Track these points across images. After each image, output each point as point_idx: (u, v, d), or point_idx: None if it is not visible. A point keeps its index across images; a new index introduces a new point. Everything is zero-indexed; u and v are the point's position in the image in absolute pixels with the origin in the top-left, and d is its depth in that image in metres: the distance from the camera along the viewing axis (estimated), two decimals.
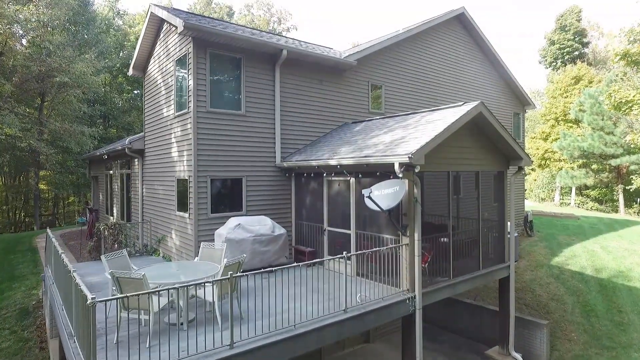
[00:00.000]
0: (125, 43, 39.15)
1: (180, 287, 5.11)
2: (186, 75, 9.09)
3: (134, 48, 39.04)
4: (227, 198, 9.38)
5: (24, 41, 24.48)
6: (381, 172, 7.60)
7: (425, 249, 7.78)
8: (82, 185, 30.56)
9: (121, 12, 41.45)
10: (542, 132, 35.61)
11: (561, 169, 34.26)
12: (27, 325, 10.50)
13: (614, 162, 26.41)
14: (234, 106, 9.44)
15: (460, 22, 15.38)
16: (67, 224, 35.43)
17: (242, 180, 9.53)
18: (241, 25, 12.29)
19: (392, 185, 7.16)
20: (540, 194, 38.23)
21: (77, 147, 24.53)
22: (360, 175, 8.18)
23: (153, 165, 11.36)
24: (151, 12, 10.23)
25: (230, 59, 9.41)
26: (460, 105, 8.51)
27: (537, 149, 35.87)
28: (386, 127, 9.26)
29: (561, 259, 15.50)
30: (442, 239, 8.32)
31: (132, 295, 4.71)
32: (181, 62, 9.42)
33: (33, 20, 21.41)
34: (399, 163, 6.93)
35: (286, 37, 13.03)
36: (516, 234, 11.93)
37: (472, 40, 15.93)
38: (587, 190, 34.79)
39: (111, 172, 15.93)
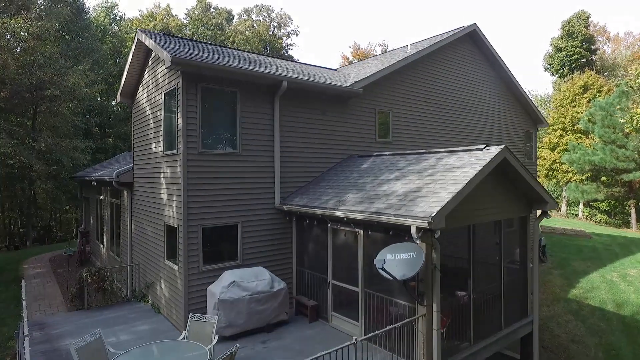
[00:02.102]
0: (122, 50, 38.28)
1: None
2: (175, 111, 8.17)
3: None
4: (221, 247, 8.47)
5: (14, 53, 23.56)
6: (394, 232, 6.69)
7: (443, 312, 6.86)
8: (79, 200, 29.67)
9: (117, 17, 40.54)
10: (550, 142, 34.66)
11: (569, 180, 33.33)
12: None
13: (626, 177, 25.47)
14: (228, 145, 8.53)
15: (471, 38, 14.46)
16: (64, 233, 34.51)
17: (237, 227, 8.61)
18: (238, 50, 11.35)
19: (408, 250, 6.25)
20: None
21: (69, 162, 23.63)
22: (369, 231, 7.26)
23: (142, 202, 10.45)
24: (138, 39, 9.31)
25: (225, 93, 8.49)
26: (481, 149, 7.59)
27: (544, 159, 34.92)
28: (397, 169, 8.34)
29: (579, 291, 14.58)
30: (460, 298, 7.40)
31: None
32: (170, 96, 8.51)
33: (22, 33, 20.51)
34: (417, 227, 6.02)
35: (287, 62, 12.08)
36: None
37: (482, 57, 15.00)
38: (596, 202, 33.83)
39: (101, 197, 15.02)
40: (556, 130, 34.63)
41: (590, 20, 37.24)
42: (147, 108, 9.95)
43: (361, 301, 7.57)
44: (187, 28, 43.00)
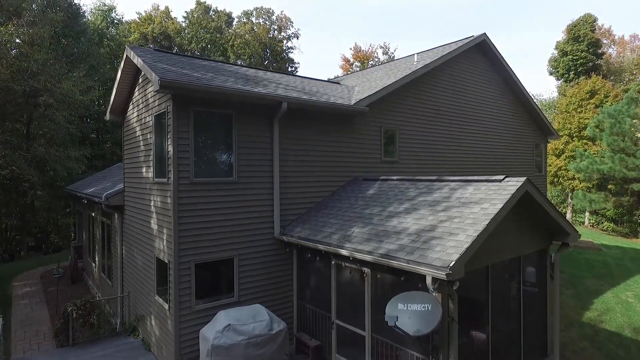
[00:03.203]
0: (120, 54, 37.65)
1: None
2: (165, 137, 7.50)
3: None
4: (215, 283, 7.80)
5: (5, 60, 22.90)
6: (407, 277, 6.02)
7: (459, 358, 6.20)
8: (73, 212, 29.04)
9: (115, 21, 39.89)
10: (555, 149, 33.95)
11: (575, 188, 32.65)
12: None
13: (636, 187, 24.77)
14: (223, 173, 7.86)
15: (480, 49, 13.80)
16: (61, 238, 33.70)
17: (233, 260, 7.95)
18: (234, 65, 10.67)
19: (423, 301, 5.58)
20: None
21: (63, 171, 22.98)
22: (378, 274, 6.59)
23: (132, 228, 9.79)
24: (126, 56, 8.65)
25: (220, 116, 7.83)
26: (500, 181, 6.92)
27: (549, 165, 34.21)
28: (407, 199, 7.67)
29: (593, 313, 13.90)
30: (477, 340, 6.74)
31: None
32: (160, 118, 7.85)
33: (15, 40, 19.86)
34: (433, 278, 5.35)
35: (287, 76, 11.39)
36: None
37: (491, 68, 14.34)
38: (604, 210, 33.13)
39: (93, 214, 14.37)
40: (562, 136, 33.91)
41: (596, 23, 36.51)
42: (138, 129, 9.30)
43: (368, 347, 6.90)
44: (186, 31, 42.35)
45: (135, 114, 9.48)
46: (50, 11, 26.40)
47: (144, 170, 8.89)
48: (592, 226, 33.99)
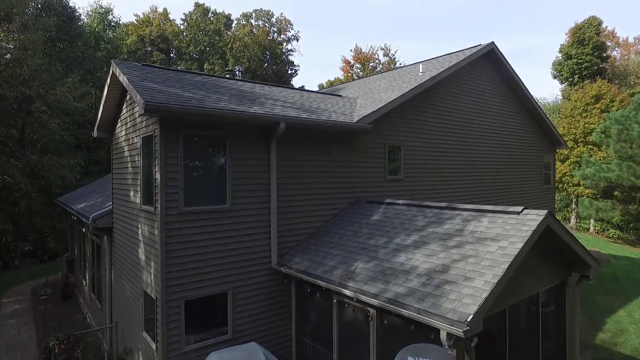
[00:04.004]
0: (117, 57, 37.08)
1: None
2: (153, 162, 6.90)
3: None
4: (207, 320, 7.20)
5: None
6: (417, 326, 5.42)
7: None
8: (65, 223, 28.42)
9: (112, 23, 39.28)
10: (560, 154, 33.33)
11: (580, 194, 32.04)
12: None
13: None
14: (216, 200, 7.26)
15: (488, 58, 13.19)
16: (58, 244, 32.95)
17: (227, 295, 7.35)
18: (230, 79, 10.04)
19: (437, 357, 4.97)
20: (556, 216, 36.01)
21: (57, 179, 22.37)
22: (384, 319, 5.98)
23: (121, 253, 9.19)
24: (112, 72, 8.05)
25: (212, 139, 7.23)
26: (517, 213, 6.31)
27: None
28: (415, 230, 7.06)
29: (607, 335, 13.28)
30: None
31: None
32: (148, 141, 7.25)
33: (6, 45, 19.28)
34: (448, 333, 4.75)
35: (285, 90, 10.75)
36: None
37: (499, 78, 13.73)
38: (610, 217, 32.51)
39: (83, 230, 13.76)
40: (566, 141, 33.29)
41: (601, 26, 35.89)
42: (126, 148, 8.69)
43: None
44: (185, 34, 41.74)
45: (124, 133, 8.88)
46: (44, 15, 25.81)
47: (131, 194, 8.29)
48: (598, 233, 33.38)
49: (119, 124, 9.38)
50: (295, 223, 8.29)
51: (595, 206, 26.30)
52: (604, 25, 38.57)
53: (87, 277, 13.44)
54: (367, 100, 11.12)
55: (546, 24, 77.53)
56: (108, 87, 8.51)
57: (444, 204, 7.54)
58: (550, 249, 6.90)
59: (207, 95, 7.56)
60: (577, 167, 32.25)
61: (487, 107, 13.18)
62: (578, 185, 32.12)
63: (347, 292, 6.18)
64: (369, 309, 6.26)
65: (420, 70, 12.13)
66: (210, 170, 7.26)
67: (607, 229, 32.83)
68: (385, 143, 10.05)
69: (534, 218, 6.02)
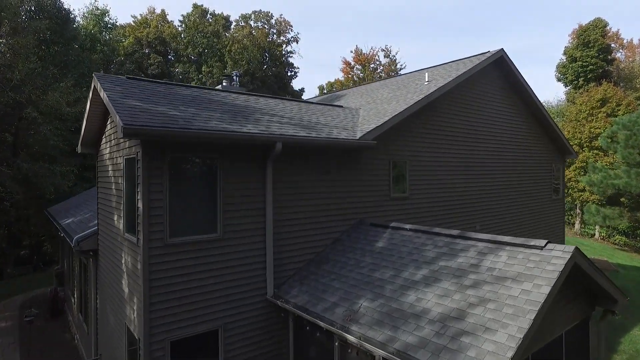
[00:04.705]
0: (114, 59, 36.45)
1: None
2: (136, 187, 6.25)
3: (122, 65, 36.37)
4: None
5: None
6: None
7: None
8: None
9: (109, 25, 38.60)
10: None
11: (585, 200, 31.41)
12: None
13: None
14: (206, 228, 6.61)
15: (497, 65, 12.54)
16: (54, 249, 32.16)
17: (218, 333, 6.69)
18: (223, 92, 9.34)
19: None
20: None
21: (49, 187, 21.71)
22: None
23: (106, 279, 8.54)
24: (94, 87, 7.39)
25: (202, 162, 6.58)
26: (540, 248, 5.66)
27: None
28: (425, 262, 6.41)
29: (622, 357, 12.63)
30: None
31: None
32: (131, 164, 6.60)
33: None
34: None
35: (282, 103, 10.05)
36: None
37: (507, 85, 13.07)
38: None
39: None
40: (571, 146, 32.64)
41: (607, 28, 35.23)
42: (110, 167, 8.04)
43: None
44: (183, 36, 41.09)
45: (108, 150, 8.23)
46: (38, 18, 25.17)
47: (115, 217, 7.64)
48: (603, 239, 32.76)
49: (103, 140, 8.73)
50: (294, 249, 7.64)
51: (603, 214, 25.63)
52: (607, 27, 37.94)
53: (75, 295, 12.79)
54: (369, 112, 10.48)
55: (546, 24, 76.85)
56: (90, 102, 7.85)
57: (455, 232, 6.88)
58: (575, 286, 6.25)
59: (196, 112, 6.90)
60: (582, 173, 31.61)
61: (496, 117, 12.53)
62: (583, 190, 31.49)
63: (351, 338, 5.53)
64: (376, 354, 5.60)
65: (426, 80, 11.48)
66: (199, 196, 6.61)
67: (613, 235, 32.20)
68: (390, 159, 9.40)
69: (560, 255, 5.37)
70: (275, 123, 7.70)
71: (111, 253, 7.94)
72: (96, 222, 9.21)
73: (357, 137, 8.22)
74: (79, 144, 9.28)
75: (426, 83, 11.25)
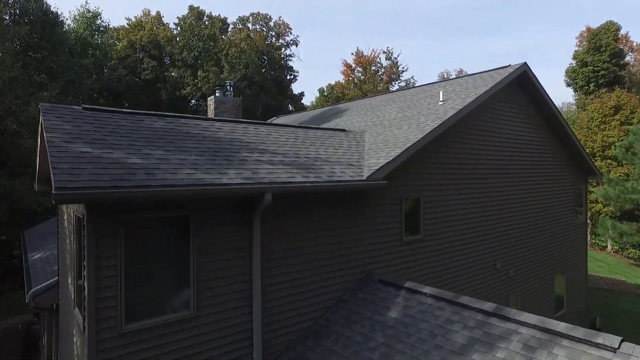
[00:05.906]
0: (107, 62, 35.07)
1: None
2: (82, 258, 4.85)
3: (115, 70, 34.93)
4: None
5: None
6: None
7: None
8: None
9: (101, 28, 37.21)
10: None
11: (598, 212, 30.02)
12: None
13: None
14: (175, 305, 5.22)
15: (520, 81, 11.15)
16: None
17: None
18: (205, 119, 7.79)
19: None
20: None
21: (31, 205, 20.36)
22: None
23: (64, 347, 7.15)
24: (41, 121, 6.00)
25: (169, 222, 5.20)
26: (614, 350, 4.26)
27: None
28: (453, 354, 5.02)
29: None
30: None
31: None
32: (78, 225, 5.21)
33: None
34: None
35: (276, 129, 8.48)
36: None
37: (529, 102, 11.68)
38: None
39: None
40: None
41: (619, 32, 33.82)
42: (65, 217, 6.65)
43: None
44: (178, 39, 39.69)
45: None
46: (22, 22, 23.81)
47: (69, 280, 6.25)
48: (616, 252, 31.36)
49: None
50: (286, 319, 6.26)
51: (619, 230, 24.17)
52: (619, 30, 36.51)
53: (45, 340, 11.41)
54: (377, 137, 9.10)
55: (546, 23, 75.43)
56: (40, 136, 6.46)
57: (489, 307, 5.48)
58: None
59: (164, 157, 5.49)
60: (594, 183, 30.22)
61: (518, 140, 11.14)
62: (596, 202, 30.08)
63: None
64: None
65: (441, 99, 10.08)
66: (166, 264, 5.22)
67: (626, 248, 30.80)
68: (402, 197, 8.01)
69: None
70: (265, 164, 6.30)
71: (66, 319, 6.56)
72: (50, 280, 7.81)
73: (365, 177, 6.84)
74: (36, 181, 7.87)
75: (440, 103, 9.86)
